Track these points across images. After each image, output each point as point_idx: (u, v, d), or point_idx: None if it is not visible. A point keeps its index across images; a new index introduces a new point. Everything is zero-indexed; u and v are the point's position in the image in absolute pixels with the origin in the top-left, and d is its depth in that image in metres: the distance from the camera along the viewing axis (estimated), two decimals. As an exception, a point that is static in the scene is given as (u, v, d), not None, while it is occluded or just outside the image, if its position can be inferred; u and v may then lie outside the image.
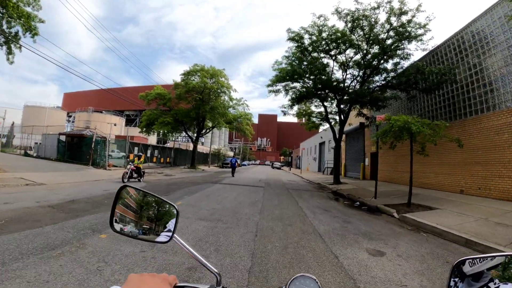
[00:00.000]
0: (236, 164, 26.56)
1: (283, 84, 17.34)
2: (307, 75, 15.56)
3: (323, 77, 15.52)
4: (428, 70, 13.38)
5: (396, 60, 14.73)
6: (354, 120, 23.31)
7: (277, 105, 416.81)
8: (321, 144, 39.48)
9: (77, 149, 25.12)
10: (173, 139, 34.72)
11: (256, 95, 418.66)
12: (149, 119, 30.53)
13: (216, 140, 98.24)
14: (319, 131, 37.21)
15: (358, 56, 15.50)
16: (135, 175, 15.44)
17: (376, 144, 10.90)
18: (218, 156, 52.47)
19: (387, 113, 13.33)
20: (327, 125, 22.12)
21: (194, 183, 15.15)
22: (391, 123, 9.70)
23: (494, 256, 0.69)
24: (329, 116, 19.20)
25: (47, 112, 67.40)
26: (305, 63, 16.00)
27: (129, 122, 79.86)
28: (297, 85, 16.39)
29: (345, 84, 16.09)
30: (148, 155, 29.00)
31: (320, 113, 20.07)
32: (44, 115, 64.73)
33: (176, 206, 1.03)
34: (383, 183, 17.62)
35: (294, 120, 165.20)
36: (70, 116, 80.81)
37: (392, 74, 15.10)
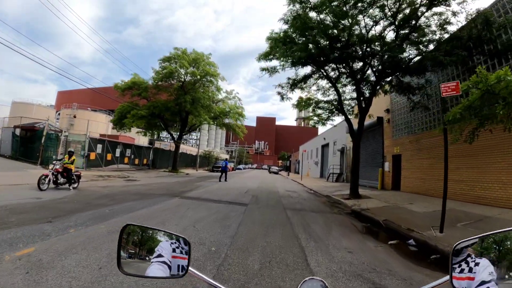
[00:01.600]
0: (228, 168, 22.18)
1: (280, 59, 12.43)
2: (317, 33, 10.56)
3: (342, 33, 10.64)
4: (503, 21, 8.55)
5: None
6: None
7: (276, 109, 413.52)
8: (324, 147, 34.63)
9: (30, 144, 20.76)
10: (153, 137, 29.71)
11: (255, 99, 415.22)
12: (121, 113, 25.65)
13: (212, 142, 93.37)
14: (323, 129, 32.42)
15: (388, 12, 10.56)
16: (61, 180, 10.54)
17: (443, 134, 6.01)
18: (208, 159, 47.51)
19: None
20: (335, 121, 17.21)
21: (147, 195, 10.19)
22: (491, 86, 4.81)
23: (476, 238, 0.81)
24: (344, 103, 14.33)
25: (34, 109, 62.77)
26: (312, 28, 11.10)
27: None
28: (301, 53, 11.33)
29: (372, 48, 11.04)
30: (117, 154, 24.02)
31: (329, 102, 15.16)
32: (31, 112, 60.10)
33: (187, 239, 1.00)
34: (415, 196, 12.70)
35: (293, 123, 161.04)
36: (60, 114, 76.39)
37: (438, 34, 10.16)
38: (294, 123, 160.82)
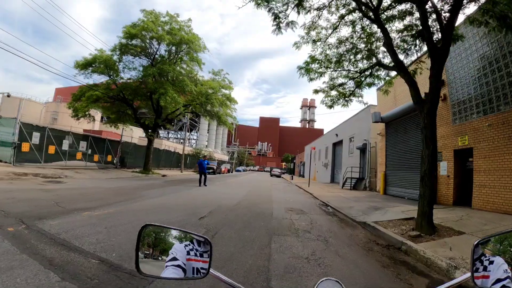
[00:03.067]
0: (215, 168, 16.81)
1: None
2: None
3: None
4: None
5: None
6: (402, 96, 12.22)
7: (280, 112, 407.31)
8: (336, 145, 28.41)
9: None
10: (117, 128, 23.44)
11: (260, 102, 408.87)
12: (76, 97, 19.82)
13: (212, 143, 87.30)
14: (329, 128, 26.22)
15: None
16: None
17: None
18: (198, 157, 41.36)
19: None
20: (363, 97, 10.94)
21: None
22: None
23: (490, 237, 0.85)
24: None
25: (23, 103, 57.85)
26: None
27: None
28: None
29: None
30: (65, 147, 18.19)
31: (361, 72, 9.06)
32: (20, 106, 55.19)
33: (208, 239, 0.98)
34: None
35: (297, 125, 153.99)
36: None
37: None
38: (298, 125, 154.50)
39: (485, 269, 0.79)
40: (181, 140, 70.46)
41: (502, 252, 0.79)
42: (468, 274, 0.82)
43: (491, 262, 0.79)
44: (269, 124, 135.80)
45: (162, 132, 73.89)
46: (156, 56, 19.25)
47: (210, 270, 0.92)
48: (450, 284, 0.83)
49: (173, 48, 18.72)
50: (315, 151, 38.24)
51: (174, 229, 0.99)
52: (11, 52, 16.70)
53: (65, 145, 18.11)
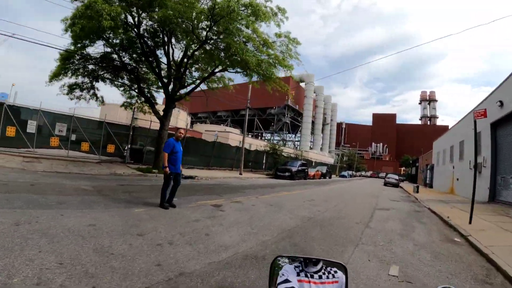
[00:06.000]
0: (293, 171, 14.02)
1: None
2: None
3: None
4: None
5: None
6: None
7: (397, 111, 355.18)
8: (500, 125, 14.51)
9: None
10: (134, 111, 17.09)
11: (374, 102, 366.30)
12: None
13: (318, 145, 77.11)
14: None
15: None
16: None
17: None
18: (273, 156, 32.56)
19: None
20: None
21: None
22: None
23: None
24: None
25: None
26: None
27: (222, 122, 69.36)
28: None
29: None
30: (57, 132, 13.48)
31: None
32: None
33: (344, 264, 0.98)
34: None
35: (418, 121, 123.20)
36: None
37: None
38: (418, 121, 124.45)
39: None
40: (281, 141, 63.34)
41: None
42: None
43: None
44: (384, 122, 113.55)
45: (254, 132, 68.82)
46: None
47: None
48: None
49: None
50: (453, 145, 23.43)
51: (306, 257, 1.01)
52: None
53: (57, 130, 13.45)
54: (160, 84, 15.17)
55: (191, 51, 13.90)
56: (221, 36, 11.60)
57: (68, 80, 14.26)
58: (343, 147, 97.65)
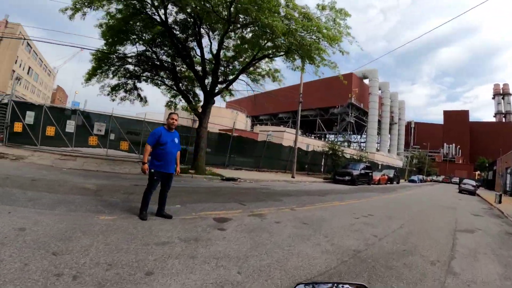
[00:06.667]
0: (353, 175, 14.49)
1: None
2: None
3: None
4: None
5: None
6: None
7: (469, 108, 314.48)
8: None
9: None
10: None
11: (443, 99, 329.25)
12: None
13: (385, 145, 70.27)
14: None
15: None
16: None
17: None
18: (332, 158, 29.29)
19: None
20: None
21: None
22: None
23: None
24: None
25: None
26: None
27: (283, 123, 65.81)
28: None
29: None
30: (69, 129, 14.11)
31: None
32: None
33: (366, 285, 0.99)
34: None
35: (490, 118, 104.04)
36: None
37: None
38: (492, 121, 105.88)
39: None
40: (345, 142, 59.13)
41: None
42: None
43: None
44: (456, 120, 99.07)
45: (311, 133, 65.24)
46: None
47: None
48: None
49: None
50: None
51: (327, 282, 0.99)
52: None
53: (70, 127, 13.68)
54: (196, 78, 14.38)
55: (223, 39, 12.74)
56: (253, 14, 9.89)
57: (110, 81, 14.36)
58: (412, 148, 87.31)
